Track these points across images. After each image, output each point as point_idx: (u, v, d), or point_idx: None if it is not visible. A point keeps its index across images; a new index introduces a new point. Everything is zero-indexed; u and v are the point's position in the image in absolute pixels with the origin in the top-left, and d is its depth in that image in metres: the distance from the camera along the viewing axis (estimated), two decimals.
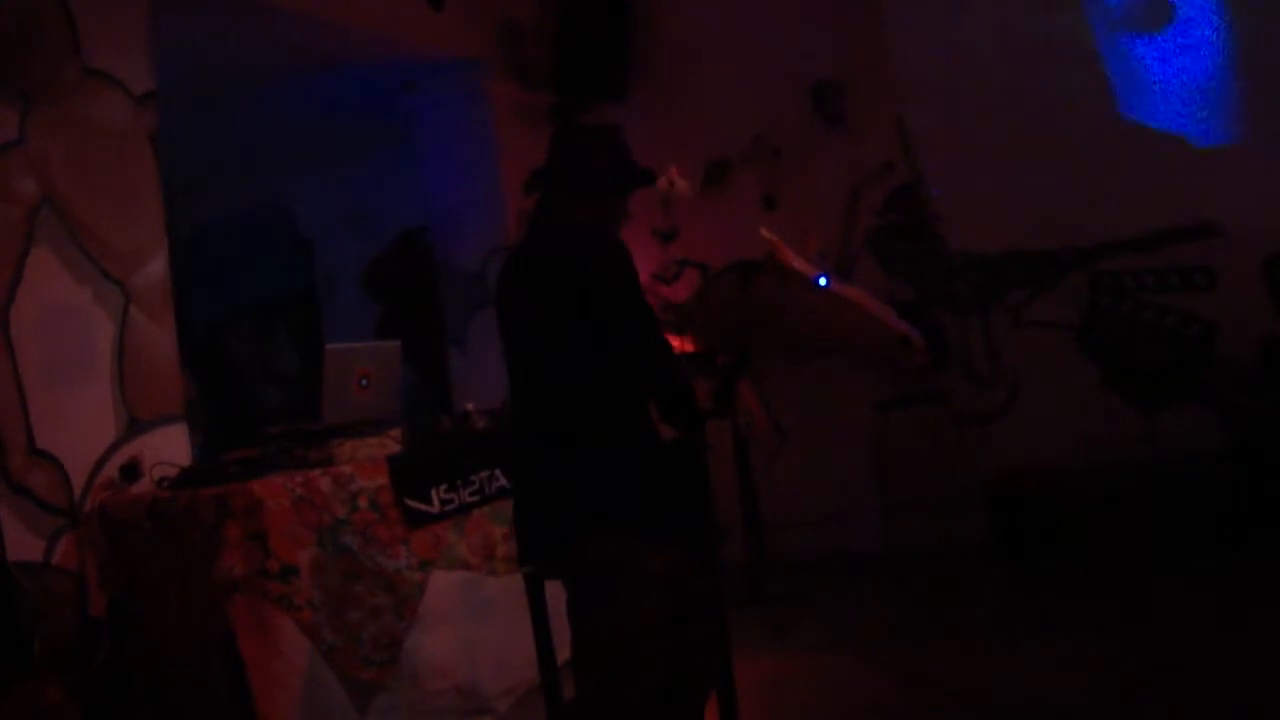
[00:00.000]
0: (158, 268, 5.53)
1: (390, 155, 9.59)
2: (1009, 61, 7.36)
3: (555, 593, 3.57)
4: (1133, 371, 7.18)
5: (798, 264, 3.45)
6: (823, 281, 3.42)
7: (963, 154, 7.51)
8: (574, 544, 3.43)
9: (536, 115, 8.64)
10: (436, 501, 5.15)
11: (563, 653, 3.69)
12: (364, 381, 5.14)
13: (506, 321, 3.77)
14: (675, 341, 7.97)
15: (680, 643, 3.30)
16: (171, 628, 4.70)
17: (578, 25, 8.30)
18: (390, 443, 5.26)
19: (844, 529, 7.75)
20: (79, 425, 5.03)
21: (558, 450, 3.53)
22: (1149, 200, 6.98)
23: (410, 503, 5.01)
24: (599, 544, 3.37)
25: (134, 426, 5.26)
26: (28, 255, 4.94)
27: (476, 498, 5.40)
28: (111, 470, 5.09)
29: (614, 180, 3.81)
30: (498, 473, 5.55)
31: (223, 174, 9.75)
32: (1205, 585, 5.92)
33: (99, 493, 5.01)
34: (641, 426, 3.59)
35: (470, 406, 6.15)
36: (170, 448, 5.36)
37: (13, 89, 4.99)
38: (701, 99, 8.44)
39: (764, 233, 3.71)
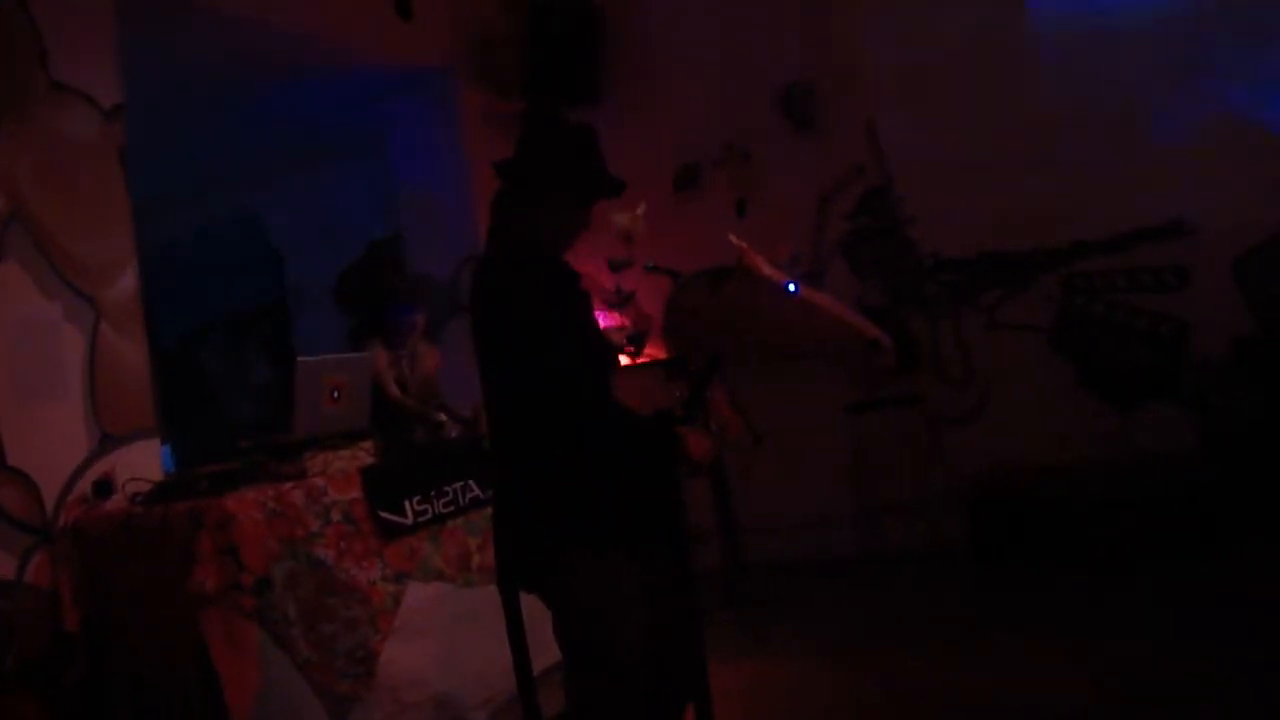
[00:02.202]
0: (128, 282, 5.51)
1: (361, 165, 9.58)
2: (979, 64, 7.39)
3: (531, 602, 3.56)
4: (1106, 372, 7.21)
5: (767, 270, 3.43)
6: (792, 288, 3.39)
7: (933, 157, 7.53)
8: (545, 563, 3.38)
9: (507, 123, 8.62)
10: (410, 513, 5.14)
11: (539, 663, 3.68)
12: (336, 394, 5.13)
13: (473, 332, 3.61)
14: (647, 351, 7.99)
15: (654, 658, 3.27)
16: (146, 643, 4.69)
17: (547, 32, 8.29)
18: (363, 454, 5.25)
19: (820, 532, 7.76)
20: (51, 441, 5.00)
21: (523, 469, 3.43)
22: (1120, 201, 7.02)
23: (384, 515, 5.00)
24: (568, 563, 3.31)
25: (106, 442, 5.24)
26: None
27: (451, 509, 5.39)
28: (84, 486, 5.07)
29: (577, 188, 3.53)
30: (472, 483, 5.55)
31: (192, 187, 9.73)
32: (1182, 584, 5.95)
33: (72, 509, 4.98)
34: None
35: (443, 417, 6.15)
36: (143, 463, 5.34)
37: None
38: (672, 104, 8.45)
39: (733, 239, 3.70)
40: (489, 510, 5.51)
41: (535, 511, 3.37)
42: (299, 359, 5.12)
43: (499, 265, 3.46)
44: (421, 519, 5.19)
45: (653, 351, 8.25)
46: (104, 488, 5.09)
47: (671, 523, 3.59)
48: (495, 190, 3.58)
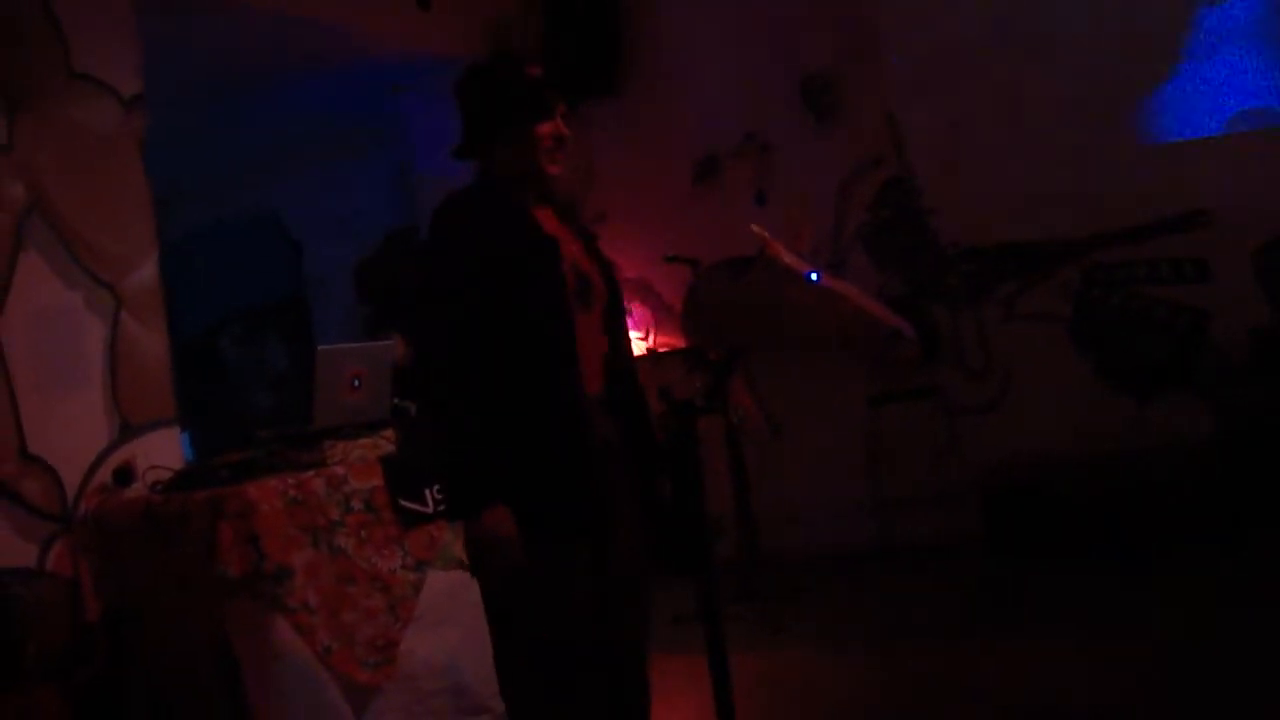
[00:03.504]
0: (148, 271, 5.51)
1: (379, 156, 9.58)
2: (999, 54, 7.36)
3: None
4: (1124, 362, 7.18)
5: (789, 259, 3.41)
6: (814, 277, 3.37)
7: (953, 147, 7.51)
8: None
9: None
10: (430, 501, 5.13)
11: None
12: (356, 382, 5.12)
13: None
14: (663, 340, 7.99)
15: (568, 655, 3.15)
16: (166, 632, 4.69)
17: (566, 22, 8.29)
18: (383, 443, 5.24)
19: (837, 524, 7.74)
20: (71, 430, 5.01)
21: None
22: (1139, 192, 6.98)
23: (404, 503, 4.99)
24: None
25: (127, 431, 5.25)
26: (17, 261, 4.93)
27: None
28: (104, 475, 5.08)
29: (495, 124, 3.31)
30: None
31: (211, 177, 9.73)
32: (1199, 576, 5.93)
33: (92, 498, 4.99)
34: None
35: None
36: (163, 451, 5.35)
37: (0, 93, 4.97)
38: (691, 94, 8.44)
39: (755, 228, 3.68)
40: None
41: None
42: (319, 347, 5.11)
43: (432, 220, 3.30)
44: (442, 507, 5.19)
45: (673, 341, 8.25)
46: (124, 476, 5.09)
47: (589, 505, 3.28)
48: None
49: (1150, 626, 5.32)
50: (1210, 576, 5.91)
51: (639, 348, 8.45)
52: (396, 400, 5.94)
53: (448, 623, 5.02)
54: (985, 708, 4.70)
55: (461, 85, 3.39)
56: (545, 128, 3.27)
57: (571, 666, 3.13)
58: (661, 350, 8.36)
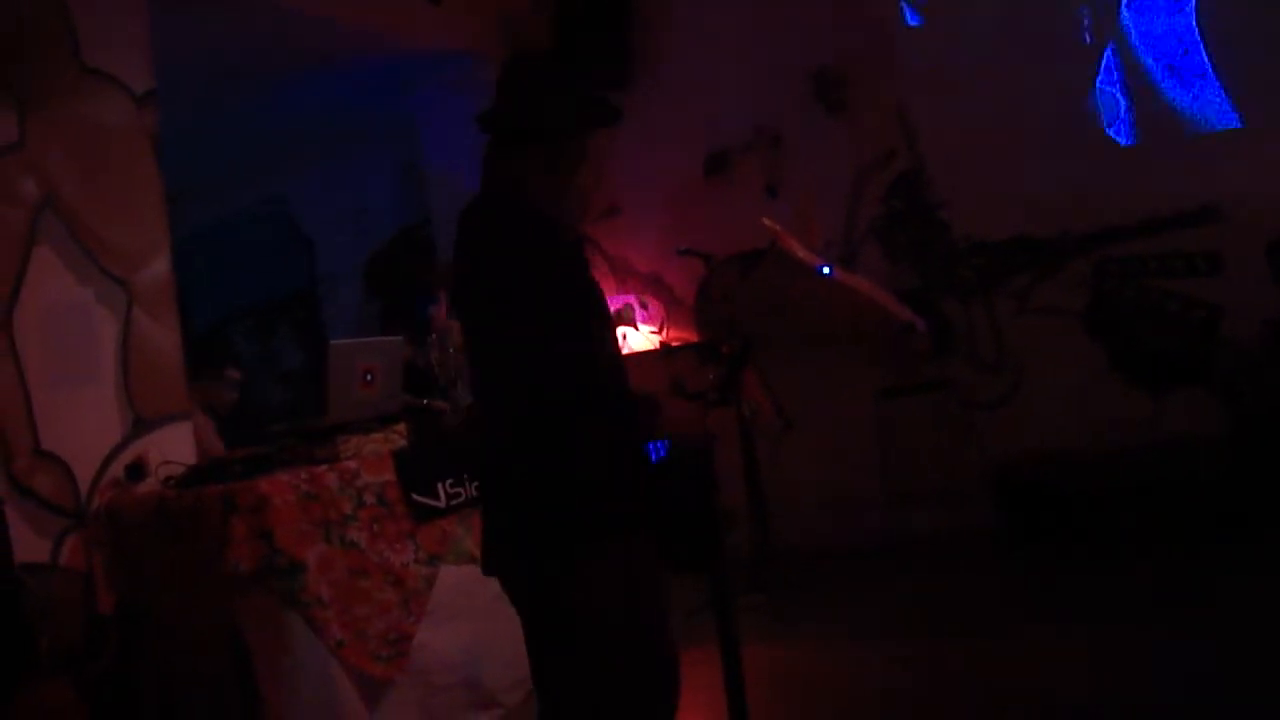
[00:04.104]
0: (160, 267, 5.53)
1: (391, 151, 9.60)
2: (1011, 47, 7.34)
3: None
4: (1137, 356, 7.16)
5: (801, 253, 3.41)
6: (825, 270, 3.37)
7: (965, 140, 7.49)
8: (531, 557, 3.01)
9: None
10: (443, 496, 5.14)
11: None
12: (368, 377, 5.13)
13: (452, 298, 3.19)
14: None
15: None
16: (179, 626, 4.70)
17: (577, 17, 8.29)
18: (395, 438, 5.25)
19: (849, 517, 7.74)
20: (84, 425, 5.03)
21: (505, 450, 3.01)
22: (1152, 185, 6.97)
23: (417, 497, 5.00)
24: (562, 558, 2.94)
25: (139, 426, 5.26)
26: (30, 256, 4.94)
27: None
28: (117, 470, 5.10)
29: (553, 122, 3.09)
30: None
31: (224, 172, 9.75)
32: (1212, 569, 5.91)
33: (105, 492, 5.01)
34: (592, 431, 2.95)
35: (440, 404, 6.15)
36: (175, 446, 5.36)
37: (12, 91, 4.98)
38: (703, 88, 8.43)
39: (766, 222, 3.68)
40: None
41: (522, 501, 2.96)
42: (331, 342, 5.12)
43: (474, 224, 3.07)
44: (454, 501, 5.19)
45: (685, 335, 8.25)
46: (137, 471, 5.11)
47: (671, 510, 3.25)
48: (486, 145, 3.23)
49: (1164, 618, 5.31)
50: (1224, 568, 5.90)
51: (653, 341, 8.46)
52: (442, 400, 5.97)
53: (460, 617, 5.04)
54: (998, 700, 4.70)
55: (531, 73, 3.20)
56: (601, 140, 3.17)
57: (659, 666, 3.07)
58: (674, 344, 8.36)
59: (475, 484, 4.31)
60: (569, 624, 2.97)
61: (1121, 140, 7.10)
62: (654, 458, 2.96)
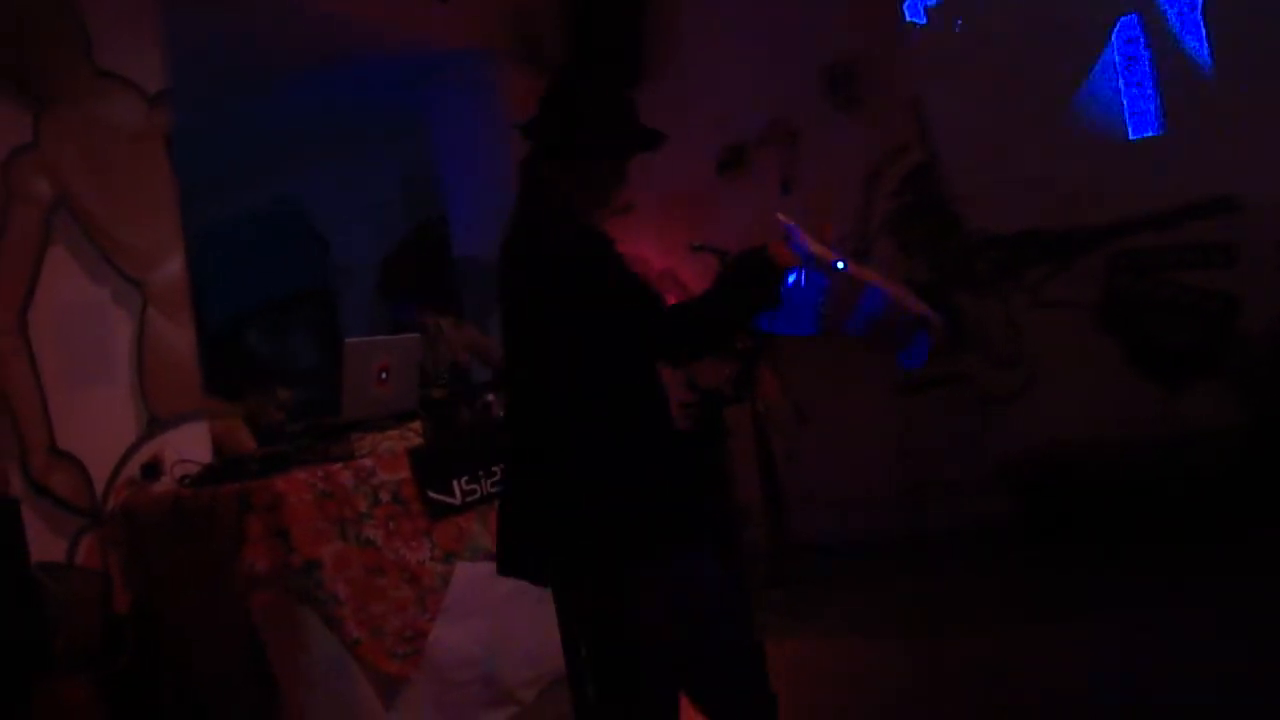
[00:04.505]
0: (175, 266, 5.54)
1: (405, 148, 9.60)
2: (1025, 40, 7.32)
3: None
4: (1153, 349, 7.14)
5: (816, 248, 3.39)
6: (840, 265, 3.34)
7: (979, 133, 7.47)
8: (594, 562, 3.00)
9: None
10: (458, 493, 5.15)
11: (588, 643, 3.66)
12: (384, 375, 5.14)
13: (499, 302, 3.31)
14: None
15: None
16: (196, 625, 4.72)
17: (590, 12, 8.28)
18: (411, 435, 5.26)
19: (865, 511, 7.73)
20: (99, 425, 5.04)
21: (560, 450, 3.02)
22: (1167, 177, 6.94)
23: (432, 495, 5.01)
24: (632, 563, 2.97)
25: (154, 425, 5.27)
26: (45, 256, 4.95)
27: (499, 488, 5.39)
28: (133, 469, 5.11)
29: (607, 144, 3.20)
30: None
31: (238, 171, 9.76)
32: (1228, 563, 5.89)
33: (121, 491, 5.02)
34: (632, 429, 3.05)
35: (490, 397, 6.14)
36: (191, 445, 5.38)
37: (26, 92, 5.00)
38: (717, 83, 8.42)
39: (780, 217, 3.66)
40: None
41: (578, 505, 2.95)
42: (347, 340, 5.13)
43: (525, 229, 3.19)
44: (470, 499, 5.20)
45: None
46: (152, 470, 5.12)
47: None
48: (525, 153, 3.32)
49: (1181, 613, 5.29)
50: (1242, 561, 5.88)
51: None
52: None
53: (476, 614, 5.04)
54: (1015, 693, 4.69)
55: (580, 89, 3.30)
56: (628, 171, 3.27)
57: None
58: None
59: (500, 481, 4.32)
60: (627, 634, 3.02)
61: (1136, 132, 7.06)
62: (789, 284, 2.98)
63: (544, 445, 3.07)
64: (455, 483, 5.15)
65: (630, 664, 3.06)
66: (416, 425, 5.33)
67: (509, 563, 3.17)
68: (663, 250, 8.34)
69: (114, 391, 5.16)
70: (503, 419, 3.38)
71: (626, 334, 2.98)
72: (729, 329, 3.16)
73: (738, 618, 3.16)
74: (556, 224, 3.10)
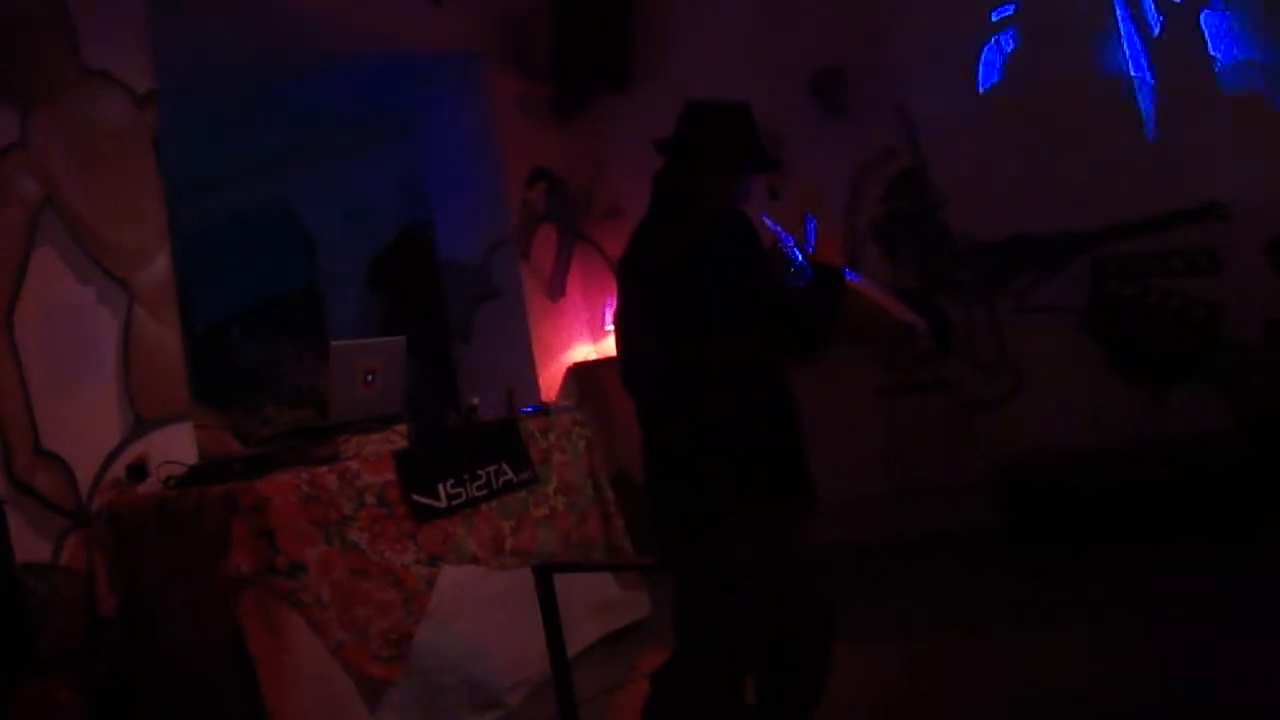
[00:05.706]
0: (161, 267, 5.53)
1: (392, 151, 9.60)
2: (1011, 46, 7.34)
3: (563, 585, 3.56)
4: (1138, 355, 7.16)
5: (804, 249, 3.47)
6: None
7: (965, 140, 7.50)
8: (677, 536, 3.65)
9: (538, 107, 8.65)
10: (444, 496, 5.15)
11: (573, 646, 3.69)
12: (370, 378, 5.14)
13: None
14: None
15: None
16: (181, 626, 4.71)
17: (578, 16, 8.28)
18: (396, 438, 5.26)
19: (851, 517, 7.72)
20: (85, 425, 5.03)
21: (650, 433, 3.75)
22: (1152, 183, 6.96)
23: (417, 498, 5.01)
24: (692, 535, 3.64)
25: (140, 425, 5.26)
26: (31, 256, 4.94)
27: (484, 492, 5.40)
28: (118, 470, 5.10)
29: (733, 162, 3.99)
30: (505, 466, 5.55)
31: (225, 172, 9.75)
32: (1215, 567, 5.91)
33: (106, 492, 5.01)
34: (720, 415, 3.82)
35: (475, 401, 6.15)
36: (177, 446, 5.37)
37: (13, 91, 4.99)
38: (703, 89, 8.37)
39: (766, 222, 3.68)
40: (522, 493, 5.56)
41: (665, 481, 3.67)
42: (333, 343, 5.14)
43: (644, 228, 3.85)
44: (455, 502, 5.20)
45: None
46: (138, 471, 5.12)
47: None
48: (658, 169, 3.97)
49: (1166, 618, 5.30)
50: (1226, 566, 5.89)
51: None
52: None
53: (462, 617, 5.05)
54: (1001, 698, 4.70)
55: (727, 117, 4.22)
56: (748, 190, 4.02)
57: None
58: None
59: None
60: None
61: (1129, 133, 7.09)
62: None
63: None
64: (440, 486, 5.16)
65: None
66: (402, 428, 5.34)
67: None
68: None
69: (100, 392, 5.14)
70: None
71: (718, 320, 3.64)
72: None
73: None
74: (646, 230, 3.83)
